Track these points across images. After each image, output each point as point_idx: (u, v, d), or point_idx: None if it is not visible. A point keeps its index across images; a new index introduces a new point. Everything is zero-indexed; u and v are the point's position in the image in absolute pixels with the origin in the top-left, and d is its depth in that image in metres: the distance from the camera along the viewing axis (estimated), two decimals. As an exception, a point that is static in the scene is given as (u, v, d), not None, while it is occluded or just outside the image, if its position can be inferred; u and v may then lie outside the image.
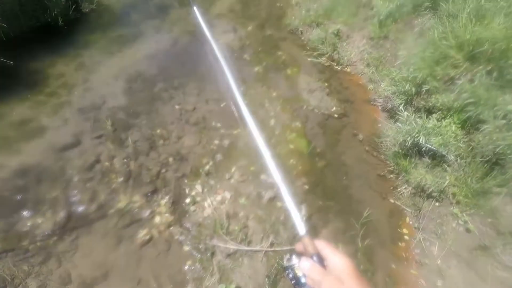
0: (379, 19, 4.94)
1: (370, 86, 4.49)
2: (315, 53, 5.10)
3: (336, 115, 3.94)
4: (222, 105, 3.95)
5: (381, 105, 4.15)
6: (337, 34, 5.25)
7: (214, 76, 4.41)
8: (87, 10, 5.91)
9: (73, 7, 5.64)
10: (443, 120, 3.25)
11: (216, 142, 3.43)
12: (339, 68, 4.83)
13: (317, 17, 5.61)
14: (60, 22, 5.27)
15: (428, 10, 4.64)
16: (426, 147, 3.04)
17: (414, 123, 3.18)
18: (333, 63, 4.93)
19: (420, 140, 2.99)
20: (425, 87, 3.47)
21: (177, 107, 3.87)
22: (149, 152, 3.31)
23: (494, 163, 2.95)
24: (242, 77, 4.48)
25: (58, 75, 4.51)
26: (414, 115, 3.46)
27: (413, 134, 3.09)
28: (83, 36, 5.28)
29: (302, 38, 5.49)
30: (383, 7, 4.93)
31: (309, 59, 4.96)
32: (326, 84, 4.46)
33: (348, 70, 4.81)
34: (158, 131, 3.56)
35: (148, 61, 4.77)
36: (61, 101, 4.08)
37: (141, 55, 4.93)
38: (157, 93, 4.14)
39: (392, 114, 3.97)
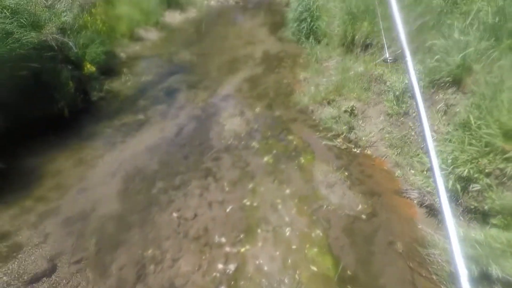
0: (395, 95, 4.36)
1: (398, 172, 3.74)
2: (329, 135, 4.49)
3: (363, 216, 3.15)
4: (227, 210, 3.26)
5: (416, 198, 3.36)
6: (352, 112, 4.67)
7: (219, 169, 3.79)
8: (95, 98, 5.66)
9: (82, 97, 5.40)
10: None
11: (220, 266, 2.65)
12: (358, 151, 4.15)
13: (327, 94, 5.13)
14: (66, 113, 4.94)
15: (449, 84, 4.05)
16: (499, 275, 2.15)
17: (473, 241, 2.32)
18: (350, 145, 4.26)
19: (492, 270, 2.12)
20: (475, 186, 2.68)
21: (175, 215, 3.20)
22: (135, 284, 2.53)
23: None
24: (251, 170, 3.83)
25: (55, 173, 4.02)
26: (464, 217, 2.62)
27: (476, 258, 2.22)
28: (88, 126, 4.91)
29: (313, 117, 4.94)
30: (398, 82, 4.39)
31: (323, 142, 4.32)
32: (346, 174, 3.75)
33: (369, 152, 4.12)
34: (150, 251, 2.84)
35: (150, 154, 4.24)
36: (48, 208, 3.50)
37: (144, 146, 4.43)
38: (155, 196, 3.51)
39: (432, 211, 3.13)
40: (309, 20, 7.57)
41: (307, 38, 7.67)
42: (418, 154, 3.80)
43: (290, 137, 4.51)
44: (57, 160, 4.22)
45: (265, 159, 4.09)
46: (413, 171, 3.71)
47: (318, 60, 6.90)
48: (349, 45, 6.59)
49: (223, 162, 4.08)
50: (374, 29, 5.83)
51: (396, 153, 3.96)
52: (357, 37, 6.35)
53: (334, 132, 4.54)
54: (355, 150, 4.26)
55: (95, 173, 4.05)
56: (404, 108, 4.24)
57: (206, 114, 5.21)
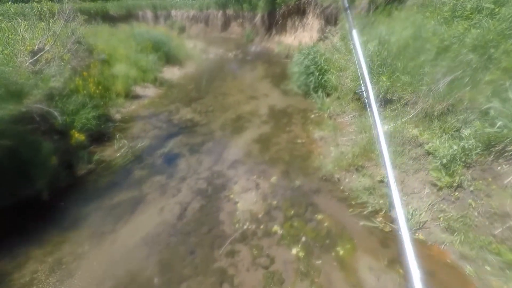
0: (442, 163, 3.65)
1: (468, 269, 2.89)
2: (365, 212, 3.69)
3: None
4: None
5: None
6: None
7: (236, 270, 2.92)
8: (83, 172, 4.88)
9: (66, 172, 4.62)
10: None
11: None
12: (407, 235, 3.28)
13: (354, 159, 4.40)
14: (46, 195, 4.11)
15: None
16: None
17: None
18: (395, 226, 3.43)
19: None
20: None
21: None
22: None
23: None
24: (278, 270, 2.95)
25: (24, 285, 3.07)
26: None
27: None
28: (72, 210, 4.07)
29: (341, 187, 4.18)
30: (443, 147, 3.71)
31: (361, 223, 3.51)
32: (401, 271, 2.86)
33: (421, 237, 3.30)
34: None
35: (147, 250, 3.37)
36: None
37: (139, 238, 3.57)
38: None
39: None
40: (317, 74, 7.18)
41: (316, 91, 7.22)
42: (490, 243, 2.99)
43: (319, 216, 3.70)
44: (31, 263, 3.32)
45: (294, 251, 3.24)
46: (489, 268, 2.87)
47: (331, 116, 6.35)
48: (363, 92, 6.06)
49: (241, 258, 3.21)
50: (394, 84, 5.34)
51: (458, 240, 3.14)
52: (374, 91, 5.83)
53: (370, 208, 3.74)
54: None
55: (73, 283, 3.13)
56: (457, 180, 3.51)
57: (213, 187, 4.43)
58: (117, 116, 6.72)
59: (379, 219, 3.63)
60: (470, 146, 3.51)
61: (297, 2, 11.89)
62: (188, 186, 4.51)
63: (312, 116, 6.63)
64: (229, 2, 19.10)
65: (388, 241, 3.35)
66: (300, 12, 12.04)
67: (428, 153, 4.00)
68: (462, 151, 3.55)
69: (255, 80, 9.50)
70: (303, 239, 3.36)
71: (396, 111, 5.13)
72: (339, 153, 4.79)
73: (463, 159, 3.56)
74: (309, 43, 10.52)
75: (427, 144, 4.05)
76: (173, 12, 20.55)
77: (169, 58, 10.57)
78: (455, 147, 3.59)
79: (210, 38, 18.19)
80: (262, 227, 3.57)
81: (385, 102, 5.50)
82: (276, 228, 3.53)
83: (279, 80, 9.21)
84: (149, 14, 20.53)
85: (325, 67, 7.42)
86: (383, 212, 3.71)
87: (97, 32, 9.26)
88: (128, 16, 19.82)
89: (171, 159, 5.28)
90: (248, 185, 4.25)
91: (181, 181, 4.67)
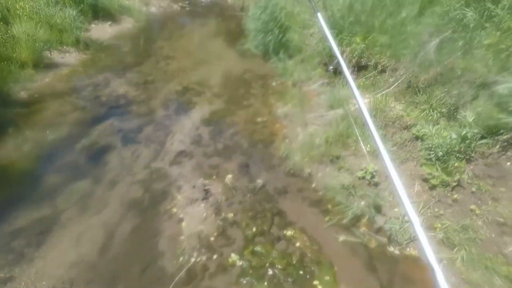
0: (437, 156, 2.88)
1: None
2: (344, 219, 2.91)
3: None
4: None
5: None
6: (371, 179, 3.13)
7: None
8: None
9: None
10: None
11: None
12: (396, 251, 2.62)
13: (327, 146, 3.52)
14: None
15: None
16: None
17: None
18: (381, 239, 2.72)
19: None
20: None
21: None
22: None
23: None
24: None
25: None
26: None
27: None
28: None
29: (313, 185, 3.34)
30: (438, 137, 2.93)
31: (341, 238, 2.72)
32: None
33: (413, 253, 2.61)
34: None
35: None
36: None
37: None
38: None
39: None
40: (277, 32, 5.95)
41: (276, 53, 6.05)
42: (499, 263, 2.36)
43: (289, 233, 2.85)
44: None
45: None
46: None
47: (295, 83, 5.31)
48: (335, 65, 5.08)
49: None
50: (370, 47, 4.37)
51: (459, 258, 2.48)
52: (345, 54, 4.86)
53: (350, 213, 2.96)
54: (392, 249, 2.72)
55: None
56: (456, 177, 2.78)
57: (151, 195, 3.36)
58: (23, 95, 5.10)
59: (362, 229, 2.87)
60: (472, 135, 2.72)
61: None
62: (118, 196, 3.39)
63: (274, 84, 5.55)
64: None
65: (374, 261, 2.62)
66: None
67: (417, 138, 3.21)
68: (462, 140, 2.76)
69: (205, 39, 7.98)
70: (270, 272, 2.51)
71: (372, 79, 4.21)
72: (308, 136, 3.88)
73: (462, 150, 2.79)
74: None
75: (415, 126, 3.23)
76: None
77: (98, 12, 8.51)
78: (454, 135, 2.79)
79: (153, -15, 15.45)
80: (215, 257, 2.65)
81: (359, 68, 4.56)
82: (234, 258, 2.63)
83: (234, 38, 7.78)
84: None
85: (286, 23, 6.18)
86: (366, 218, 2.95)
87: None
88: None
89: (97, 155, 4.03)
90: (196, 192, 3.23)
91: (110, 188, 3.52)
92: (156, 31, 8.63)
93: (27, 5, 6.19)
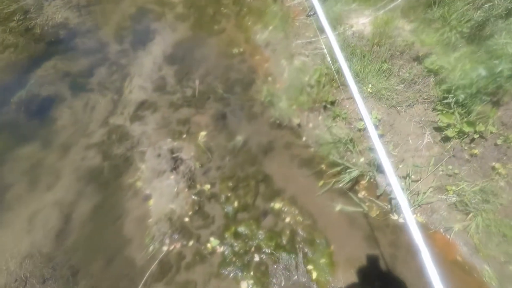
0: (457, 100, 2.20)
1: (487, 271, 1.93)
2: (341, 182, 2.38)
3: None
4: None
5: None
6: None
7: None
8: None
9: None
10: None
11: None
12: (401, 220, 2.18)
13: (320, 89, 2.76)
14: None
15: None
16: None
17: None
18: (384, 205, 2.26)
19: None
20: None
21: None
22: None
23: None
24: None
25: None
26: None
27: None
28: None
29: (303, 139, 2.70)
30: (460, 74, 2.19)
31: (338, 208, 2.25)
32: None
33: (419, 218, 2.19)
34: None
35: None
36: None
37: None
38: None
39: None
40: None
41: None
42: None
43: (276, 205, 2.35)
44: None
45: (244, 286, 2.00)
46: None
47: (276, -5, 4.09)
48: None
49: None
50: None
51: (474, 226, 2.07)
52: None
53: (348, 175, 2.41)
54: (395, 217, 2.28)
55: None
56: (480, 128, 2.15)
57: (111, 164, 2.69)
58: None
59: (362, 193, 2.38)
60: (509, 71, 1.98)
61: None
62: (73, 166, 2.73)
63: (250, -2, 4.28)
64: None
65: (377, 234, 2.19)
66: None
67: (430, 72, 2.44)
68: (492, 79, 2.03)
69: None
70: (256, 258, 2.07)
71: None
72: (295, 72, 3.04)
73: (490, 91, 2.09)
74: None
75: (428, 57, 2.42)
76: None
77: None
78: (483, 72, 2.04)
79: None
80: (191, 243, 2.17)
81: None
82: (213, 243, 2.15)
83: None
84: None
85: None
86: (366, 180, 2.42)
87: None
88: None
89: (42, 110, 3.19)
90: (163, 162, 2.54)
91: (62, 155, 2.83)
92: None
93: None
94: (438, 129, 2.37)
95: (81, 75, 3.50)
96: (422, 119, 2.47)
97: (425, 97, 2.52)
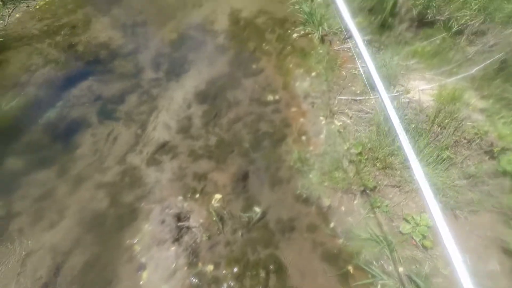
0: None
1: None
2: None
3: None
4: None
5: None
6: (423, 238, 1.97)
7: None
8: None
9: None
10: None
11: None
12: None
13: (360, 167, 2.27)
14: None
15: None
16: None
17: None
18: None
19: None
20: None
21: None
22: None
23: None
24: None
25: None
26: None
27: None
28: None
29: (331, 225, 2.24)
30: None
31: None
32: None
33: None
34: None
35: None
36: None
37: None
38: None
39: None
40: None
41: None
42: None
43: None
44: None
45: None
46: None
47: (324, 36, 3.65)
48: (384, 14, 3.36)
49: None
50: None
51: None
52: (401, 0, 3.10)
53: (379, 284, 1.89)
54: None
55: None
56: None
57: (116, 212, 2.41)
58: (-16, 39, 3.84)
59: None
60: None
61: None
62: (80, 205, 2.51)
63: (295, 36, 3.87)
64: None
65: None
66: None
67: (505, 173, 1.85)
68: None
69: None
70: None
71: (439, 44, 2.61)
72: (334, 136, 2.56)
73: None
74: None
75: (504, 153, 1.83)
76: None
77: None
78: None
79: None
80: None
81: (421, 24, 2.86)
82: None
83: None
84: None
85: None
86: None
87: None
88: None
89: (67, 133, 3.04)
90: (167, 229, 2.19)
91: (74, 188, 2.64)
92: None
93: None
94: (510, 253, 1.77)
95: (112, 100, 3.31)
96: (488, 234, 1.88)
97: (496, 205, 1.92)
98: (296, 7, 3.91)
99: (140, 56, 3.77)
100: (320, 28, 3.63)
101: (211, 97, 3.19)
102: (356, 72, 3.21)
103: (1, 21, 4.06)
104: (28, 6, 4.37)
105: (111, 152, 2.89)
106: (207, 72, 3.49)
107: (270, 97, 3.13)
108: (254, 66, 3.50)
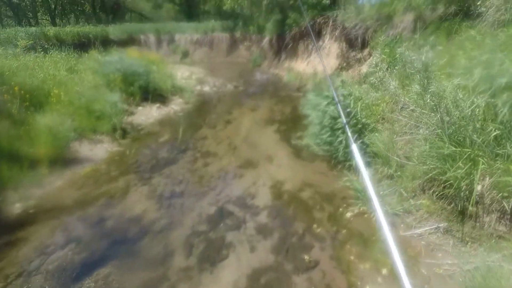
0: None
1: None
2: None
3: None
4: None
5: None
6: None
7: None
8: None
9: None
10: None
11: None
12: None
13: None
14: None
15: None
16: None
17: None
18: None
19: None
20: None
21: None
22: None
23: None
24: None
25: None
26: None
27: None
28: None
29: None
30: None
31: None
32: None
33: None
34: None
35: None
36: None
37: None
38: None
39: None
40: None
41: (348, 159, 3.89)
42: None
43: None
44: None
45: None
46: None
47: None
48: (462, 202, 2.74)
49: None
50: None
51: None
52: (480, 187, 2.53)
53: None
54: None
55: None
56: None
57: None
58: (15, 210, 3.53)
59: None
60: None
61: (311, 23, 8.65)
62: None
63: (349, 215, 3.29)
64: (235, 24, 16.18)
65: None
66: (314, 33, 8.78)
67: None
68: None
69: (256, 127, 6.23)
70: None
71: None
72: None
73: None
74: (328, 71, 7.25)
75: None
76: (177, 36, 17.71)
77: (148, 93, 7.44)
78: None
79: (214, 63, 15.20)
80: None
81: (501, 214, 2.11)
82: None
83: (290, 127, 5.93)
84: (152, 38, 17.76)
85: (363, 120, 4.09)
86: None
87: (44, 63, 6.21)
88: (129, 41, 17.09)
89: None
90: None
91: None
92: (203, 115, 7.20)
93: (62, 92, 5.05)
94: None
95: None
96: None
97: None
98: (347, 183, 3.51)
99: (173, 235, 3.22)
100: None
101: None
102: (441, 271, 2.38)
103: (40, 190, 3.88)
104: (72, 174, 4.31)
105: None
106: (249, 261, 2.77)
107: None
108: (306, 257, 2.77)
